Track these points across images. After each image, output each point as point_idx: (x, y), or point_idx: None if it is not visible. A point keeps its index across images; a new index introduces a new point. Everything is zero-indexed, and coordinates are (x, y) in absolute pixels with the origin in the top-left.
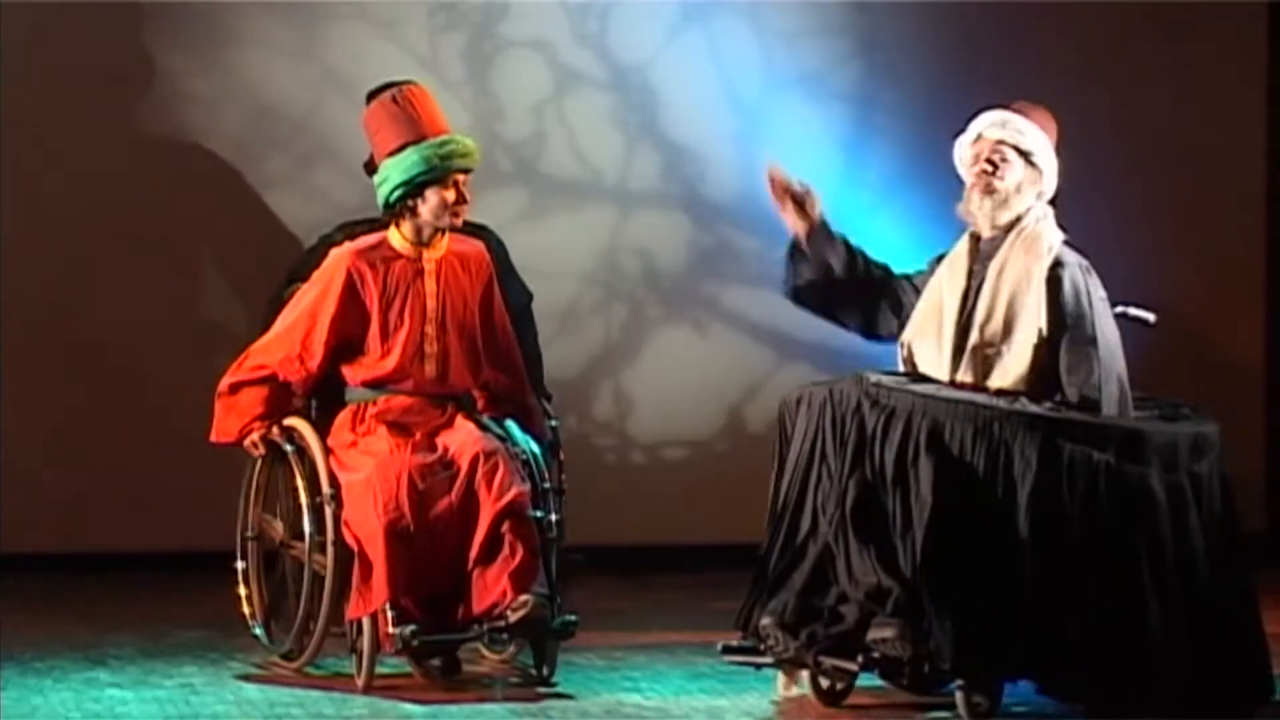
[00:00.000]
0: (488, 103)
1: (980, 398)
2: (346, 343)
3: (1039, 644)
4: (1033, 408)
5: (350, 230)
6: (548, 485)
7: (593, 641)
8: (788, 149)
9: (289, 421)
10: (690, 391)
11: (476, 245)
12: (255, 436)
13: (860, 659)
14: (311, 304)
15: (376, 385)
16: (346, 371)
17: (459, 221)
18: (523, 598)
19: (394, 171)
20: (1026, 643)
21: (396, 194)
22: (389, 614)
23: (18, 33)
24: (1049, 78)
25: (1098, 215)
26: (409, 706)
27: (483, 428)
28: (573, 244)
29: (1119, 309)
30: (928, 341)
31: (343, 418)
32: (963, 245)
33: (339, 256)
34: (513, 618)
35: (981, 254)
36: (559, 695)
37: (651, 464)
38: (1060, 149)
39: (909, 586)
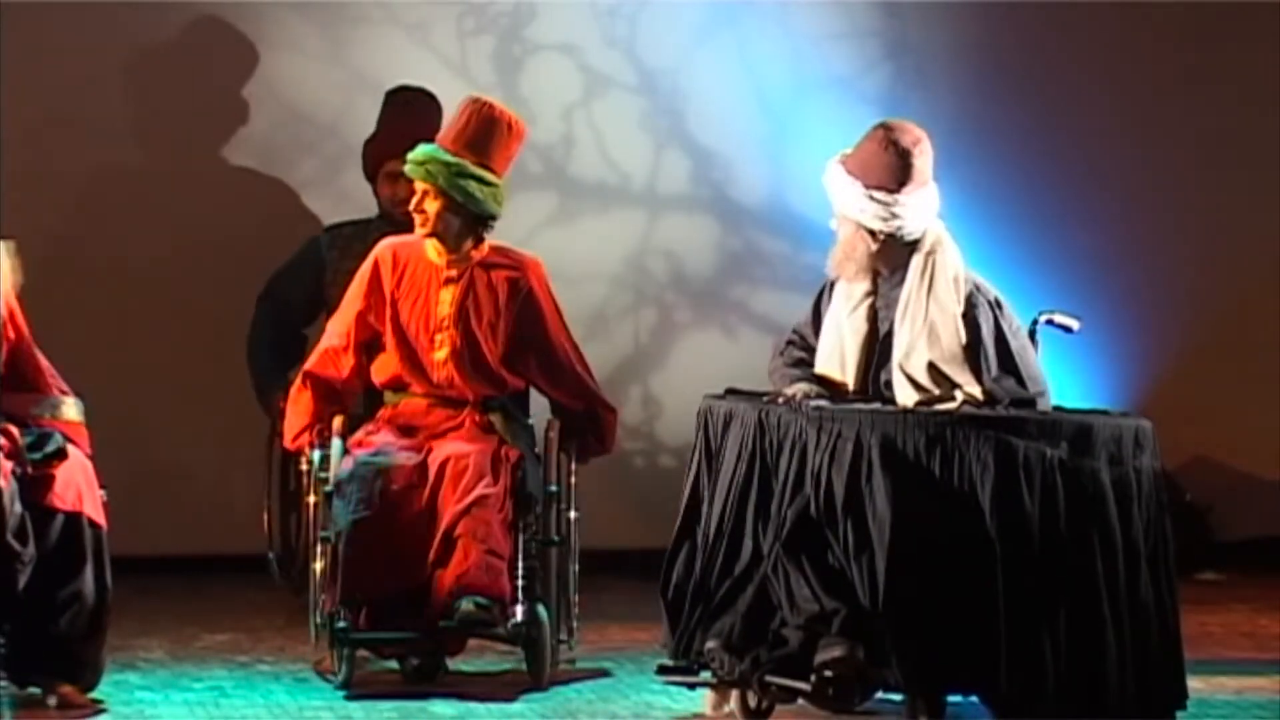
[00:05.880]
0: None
1: (927, 411)
2: (372, 337)
3: (996, 657)
4: (981, 411)
5: (335, 232)
6: (552, 489)
7: (622, 644)
8: (816, 152)
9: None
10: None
11: (523, 261)
12: (305, 446)
13: (812, 679)
14: (348, 298)
15: (390, 386)
16: (371, 371)
17: (418, 225)
18: (461, 601)
19: None
20: (982, 656)
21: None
22: (339, 610)
23: (45, 35)
24: (1075, 82)
25: (1118, 220)
26: (438, 708)
27: (489, 431)
28: (602, 247)
29: (1043, 317)
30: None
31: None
32: (863, 286)
33: (374, 250)
34: (454, 620)
35: (880, 291)
36: (588, 698)
37: (681, 467)
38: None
39: (860, 607)
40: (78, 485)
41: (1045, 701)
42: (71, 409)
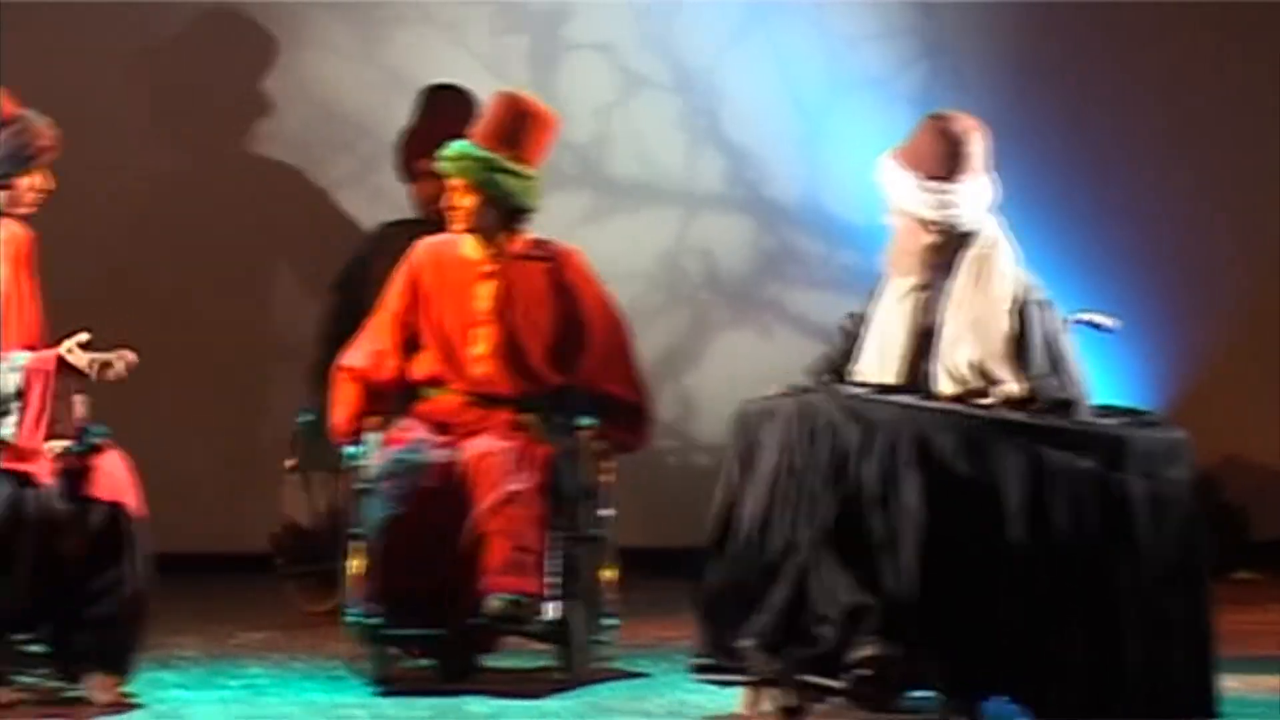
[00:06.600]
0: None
1: (962, 407)
2: (412, 336)
3: (1025, 659)
4: (1017, 415)
5: (377, 232)
6: (585, 486)
7: (655, 642)
8: (851, 152)
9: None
10: (753, 394)
11: (562, 253)
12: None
13: (845, 678)
14: (387, 299)
15: (428, 383)
16: (410, 369)
17: (453, 222)
18: (490, 598)
19: None
20: (1014, 658)
21: None
22: (372, 607)
23: (65, 34)
24: (1113, 81)
25: (1154, 219)
26: (473, 706)
27: (522, 428)
28: (636, 247)
29: (1080, 317)
30: (876, 377)
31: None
32: (915, 280)
33: (411, 251)
34: (484, 617)
35: (931, 285)
36: (622, 695)
37: (715, 466)
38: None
39: (891, 604)
40: (118, 477)
41: (1069, 707)
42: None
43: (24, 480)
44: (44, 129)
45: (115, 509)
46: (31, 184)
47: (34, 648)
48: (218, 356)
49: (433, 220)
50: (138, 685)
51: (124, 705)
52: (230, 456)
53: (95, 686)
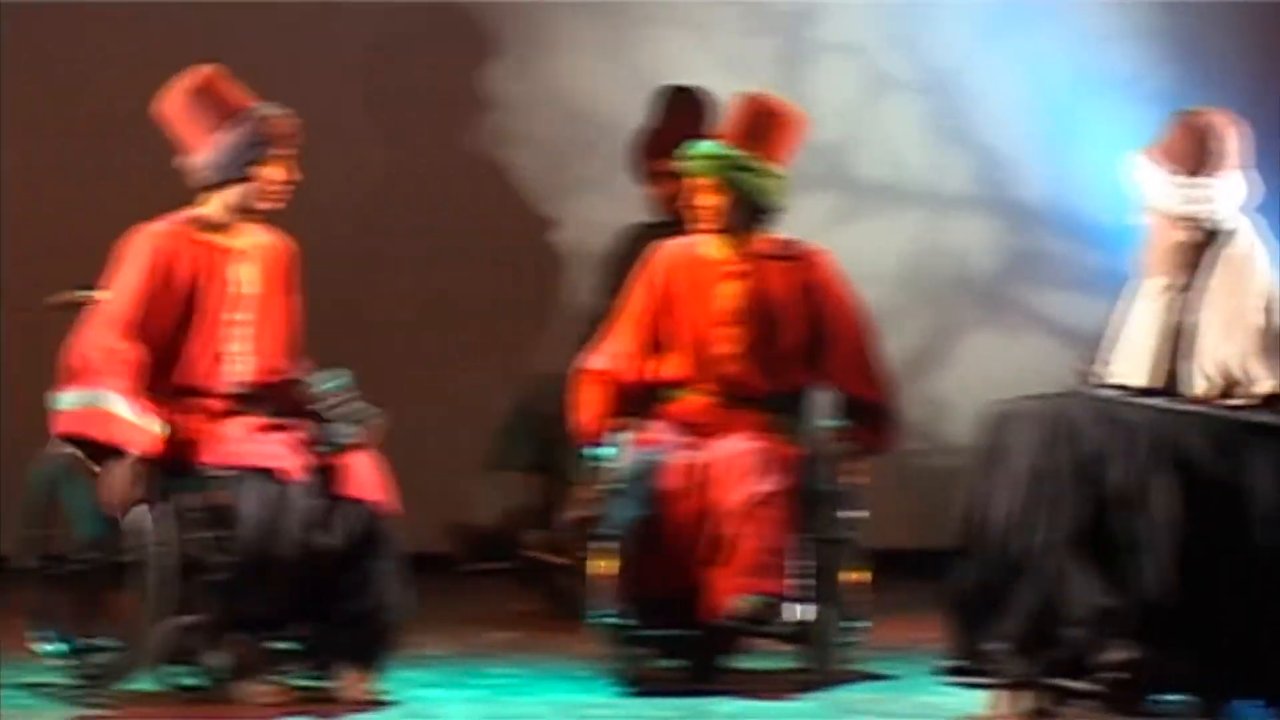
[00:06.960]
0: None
1: (1213, 408)
2: (656, 338)
3: (1277, 662)
4: (1268, 416)
5: (621, 234)
6: (833, 488)
7: (902, 643)
8: (1100, 152)
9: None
10: (1001, 396)
11: (809, 253)
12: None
13: (1096, 680)
14: (630, 302)
15: (676, 385)
16: (659, 369)
17: (698, 221)
18: (737, 598)
19: None
20: (1265, 661)
21: None
22: (621, 608)
23: (341, 46)
24: None
25: None
26: (720, 707)
27: (771, 429)
28: (883, 248)
29: None
30: (1129, 380)
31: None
32: (1167, 279)
33: (652, 253)
34: (730, 618)
35: (1184, 284)
36: (868, 696)
37: (963, 468)
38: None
39: (1143, 606)
40: (368, 475)
41: None
42: None
43: (279, 480)
44: (279, 119)
45: (367, 507)
46: (271, 175)
47: (286, 645)
48: (464, 353)
49: (674, 221)
50: (388, 683)
51: (375, 703)
52: (467, 457)
53: (346, 684)
